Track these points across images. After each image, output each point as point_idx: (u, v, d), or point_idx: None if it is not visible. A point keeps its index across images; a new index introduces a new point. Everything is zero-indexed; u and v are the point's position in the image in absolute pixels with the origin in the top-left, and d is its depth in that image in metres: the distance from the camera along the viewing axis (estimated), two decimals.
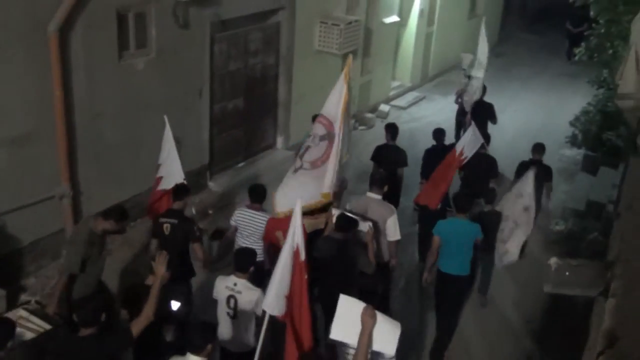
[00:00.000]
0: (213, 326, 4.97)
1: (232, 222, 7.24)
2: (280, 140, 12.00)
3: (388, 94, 15.56)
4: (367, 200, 7.27)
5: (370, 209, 7.14)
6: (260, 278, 6.31)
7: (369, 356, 4.64)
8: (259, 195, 7.19)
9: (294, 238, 5.01)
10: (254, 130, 11.37)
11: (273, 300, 5.04)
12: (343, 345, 5.12)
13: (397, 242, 7.26)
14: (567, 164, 12.49)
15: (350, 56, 7.35)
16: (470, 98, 11.21)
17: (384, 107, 14.88)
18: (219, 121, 10.44)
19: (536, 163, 8.84)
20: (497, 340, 7.75)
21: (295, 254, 5.03)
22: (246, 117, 11.07)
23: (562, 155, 12.60)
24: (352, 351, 4.88)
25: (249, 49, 10.73)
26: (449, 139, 10.39)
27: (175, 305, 5.63)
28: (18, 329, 5.89)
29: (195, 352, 4.66)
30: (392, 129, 9.43)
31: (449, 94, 15.63)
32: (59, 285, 6.34)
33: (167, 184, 7.43)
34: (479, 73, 11.21)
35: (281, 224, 6.62)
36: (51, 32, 7.20)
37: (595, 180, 10.91)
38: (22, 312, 6.43)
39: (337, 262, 6.44)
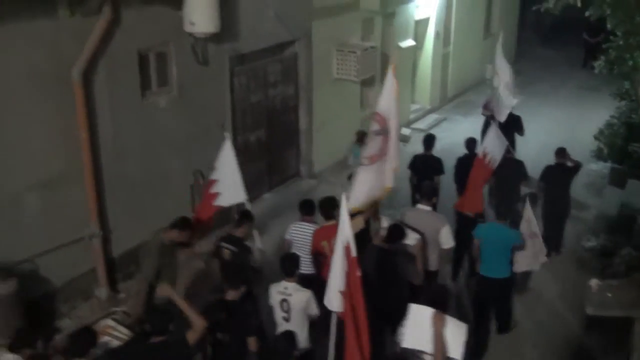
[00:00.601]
0: (294, 334, 5.32)
1: (287, 237, 7.51)
2: (303, 169, 12.04)
3: (408, 117, 15.55)
4: (419, 212, 7.58)
5: (423, 221, 7.41)
6: (308, 286, 6.45)
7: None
8: (309, 209, 7.49)
9: (344, 234, 5.27)
10: (277, 160, 11.42)
11: (331, 295, 5.37)
12: (415, 355, 5.28)
13: (451, 248, 7.64)
14: (594, 178, 12.37)
15: (397, 51, 7.54)
16: (498, 108, 10.99)
17: (405, 131, 14.85)
18: (243, 153, 10.46)
19: (561, 165, 9.45)
20: None
21: (346, 249, 5.25)
22: (269, 148, 11.13)
23: (588, 169, 12.45)
24: (427, 357, 5.10)
25: (269, 80, 10.82)
26: None
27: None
28: (106, 338, 6.54)
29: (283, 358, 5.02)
30: (427, 140, 9.88)
31: (470, 114, 15.64)
32: (140, 294, 6.80)
33: (225, 201, 7.61)
34: (495, 83, 11.19)
35: (326, 233, 6.95)
36: (75, 76, 7.34)
37: (624, 194, 10.76)
38: (109, 322, 6.93)
39: (383, 271, 6.67)
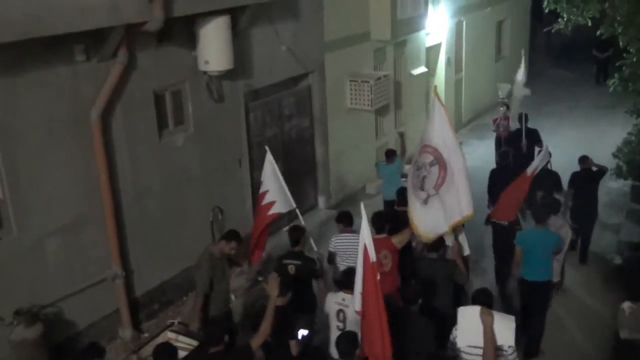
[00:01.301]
0: (356, 334, 5.49)
1: (331, 249, 7.87)
2: (321, 200, 12.02)
3: None
4: None
5: None
6: None
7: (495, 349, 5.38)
8: (349, 220, 8.03)
9: (363, 241, 5.68)
10: (295, 192, 11.22)
11: (356, 296, 5.83)
12: (465, 352, 5.72)
13: (468, 256, 7.82)
14: (615, 197, 12.25)
15: (435, 85, 8.63)
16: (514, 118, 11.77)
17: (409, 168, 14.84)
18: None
19: (587, 170, 10.00)
20: None
21: (365, 253, 5.64)
22: (286, 180, 10.94)
23: (609, 188, 12.35)
24: (479, 351, 5.55)
25: (283, 114, 10.89)
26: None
27: (301, 333, 6.40)
28: None
29: (345, 358, 5.30)
30: None
31: (485, 137, 15.61)
32: (197, 305, 7.12)
33: (280, 208, 8.12)
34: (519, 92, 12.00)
35: (378, 246, 7.10)
36: (93, 119, 7.43)
37: None
38: (170, 334, 7.18)
39: (437, 279, 7.08)
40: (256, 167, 10.36)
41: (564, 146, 15.20)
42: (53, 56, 7.02)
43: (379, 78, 12.27)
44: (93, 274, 7.78)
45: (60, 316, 7.45)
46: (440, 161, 7.04)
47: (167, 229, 8.70)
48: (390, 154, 10.72)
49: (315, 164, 11.87)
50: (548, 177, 9.96)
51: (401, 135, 11.36)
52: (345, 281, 6.66)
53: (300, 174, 11.52)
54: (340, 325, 6.58)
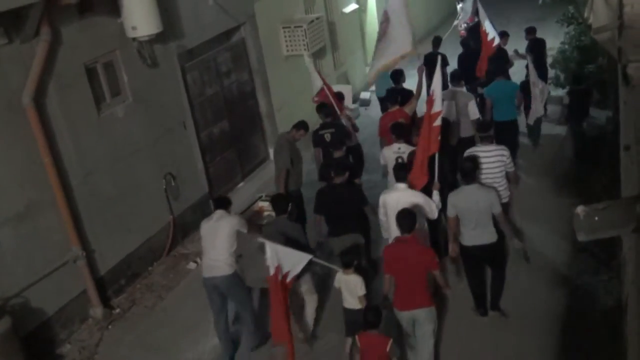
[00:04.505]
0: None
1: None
2: (272, 152, 11.96)
3: (365, 81, 15.55)
4: (454, 91, 9.66)
5: (456, 97, 9.48)
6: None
7: None
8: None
9: (434, 85, 7.45)
10: (244, 148, 11.36)
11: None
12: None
13: (477, 119, 9.43)
14: (556, 106, 12.48)
15: None
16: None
17: (364, 95, 14.90)
18: (209, 148, 10.43)
19: (534, 40, 12.12)
20: (530, 291, 7.73)
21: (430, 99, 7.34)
22: (234, 137, 11.06)
23: (548, 97, 12.58)
24: None
25: (221, 70, 10.72)
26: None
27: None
28: (266, 213, 9.40)
29: (405, 232, 6.17)
30: (435, 40, 12.40)
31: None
32: (281, 178, 8.63)
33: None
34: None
35: (393, 116, 9.06)
36: (26, 103, 7.18)
37: (588, 117, 10.95)
38: (261, 203, 9.38)
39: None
40: (201, 127, 10.25)
41: None
42: None
43: (312, 21, 12.16)
44: (54, 258, 7.66)
45: (27, 306, 7.34)
46: (385, 17, 9.68)
47: (122, 203, 8.58)
48: None
49: (260, 117, 11.80)
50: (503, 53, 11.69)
51: None
52: (396, 133, 8.16)
53: (247, 129, 11.45)
54: None
